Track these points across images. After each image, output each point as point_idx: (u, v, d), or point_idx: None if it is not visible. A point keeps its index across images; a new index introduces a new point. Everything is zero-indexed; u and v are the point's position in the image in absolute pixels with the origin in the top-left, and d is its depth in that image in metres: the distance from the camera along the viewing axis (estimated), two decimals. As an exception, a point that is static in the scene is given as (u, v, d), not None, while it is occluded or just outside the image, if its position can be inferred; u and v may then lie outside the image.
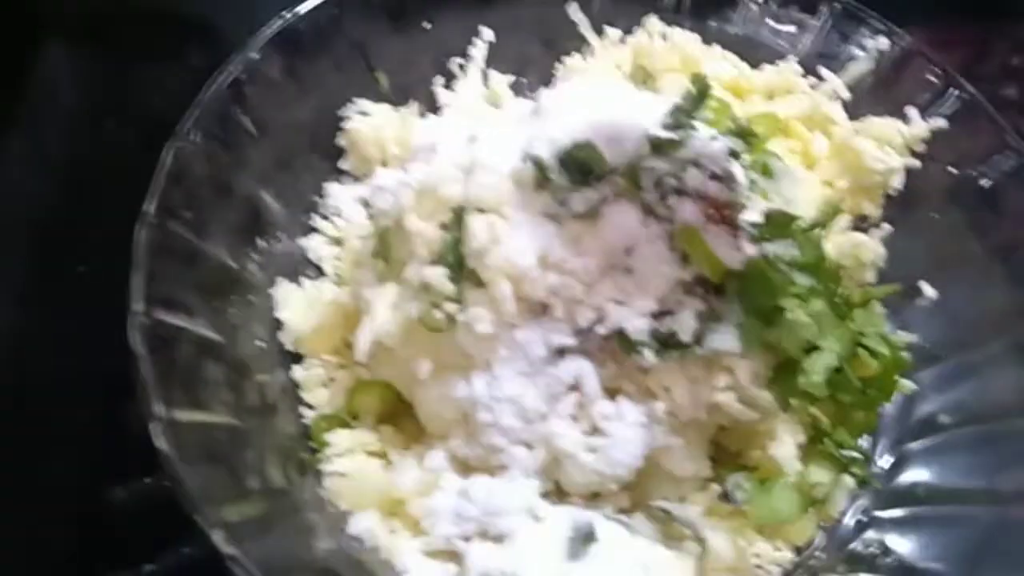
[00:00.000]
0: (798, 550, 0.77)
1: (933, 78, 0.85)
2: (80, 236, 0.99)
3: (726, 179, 0.69)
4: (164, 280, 0.70)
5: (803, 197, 0.77)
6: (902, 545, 0.72)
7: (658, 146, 0.70)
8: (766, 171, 0.74)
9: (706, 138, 0.72)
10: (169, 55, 1.16)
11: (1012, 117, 1.13)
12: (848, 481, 0.77)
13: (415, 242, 0.72)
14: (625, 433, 0.68)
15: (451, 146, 0.80)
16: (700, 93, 0.73)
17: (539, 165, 0.69)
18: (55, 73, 1.16)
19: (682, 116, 0.72)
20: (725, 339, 0.66)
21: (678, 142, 0.70)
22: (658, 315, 0.66)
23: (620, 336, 0.66)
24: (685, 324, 0.65)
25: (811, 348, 0.69)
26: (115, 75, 1.14)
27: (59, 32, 1.19)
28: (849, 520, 0.77)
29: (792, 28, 0.93)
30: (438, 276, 0.69)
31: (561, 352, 0.68)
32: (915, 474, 0.77)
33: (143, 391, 0.64)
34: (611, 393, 0.69)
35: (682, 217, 0.67)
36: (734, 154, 0.71)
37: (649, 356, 0.66)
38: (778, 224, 0.68)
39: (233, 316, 0.78)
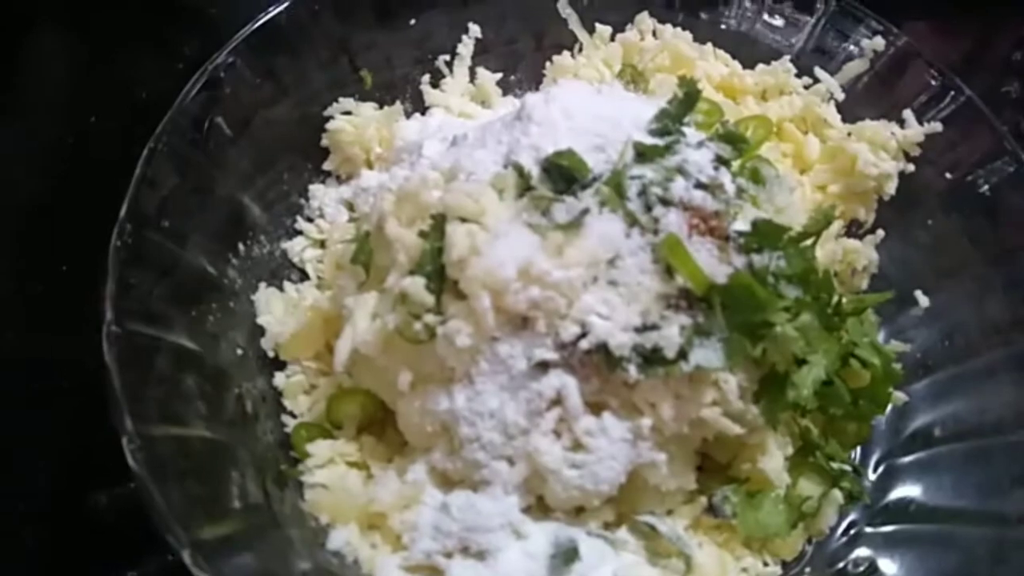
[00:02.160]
0: (786, 565, 0.76)
1: (930, 80, 0.83)
2: (64, 233, 0.97)
3: (713, 188, 0.67)
4: (140, 290, 0.69)
5: (795, 204, 0.75)
6: (892, 565, 0.71)
7: (643, 153, 0.68)
8: (757, 177, 0.72)
9: (693, 145, 0.70)
10: (160, 44, 1.15)
11: (1013, 114, 1.12)
12: (838, 495, 0.76)
13: (395, 249, 0.70)
14: (609, 449, 0.67)
15: (433, 149, 0.78)
16: (689, 97, 0.71)
17: (521, 173, 0.68)
18: (44, 62, 1.15)
19: (669, 122, 0.70)
20: (711, 355, 0.64)
21: (664, 149, 0.69)
22: (642, 329, 0.64)
23: (604, 351, 0.64)
24: (670, 339, 0.63)
25: (799, 361, 0.67)
26: (102, 66, 1.13)
27: (48, 20, 1.18)
28: (839, 535, 0.76)
29: (787, 25, 0.90)
30: (417, 286, 0.67)
31: (543, 366, 0.66)
32: (906, 490, 0.75)
33: (114, 406, 0.62)
34: (595, 408, 0.67)
35: (667, 228, 0.65)
36: (722, 161, 0.69)
37: (633, 372, 0.64)
38: (767, 235, 0.66)
39: (212, 324, 0.77)
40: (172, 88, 0.81)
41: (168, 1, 1.21)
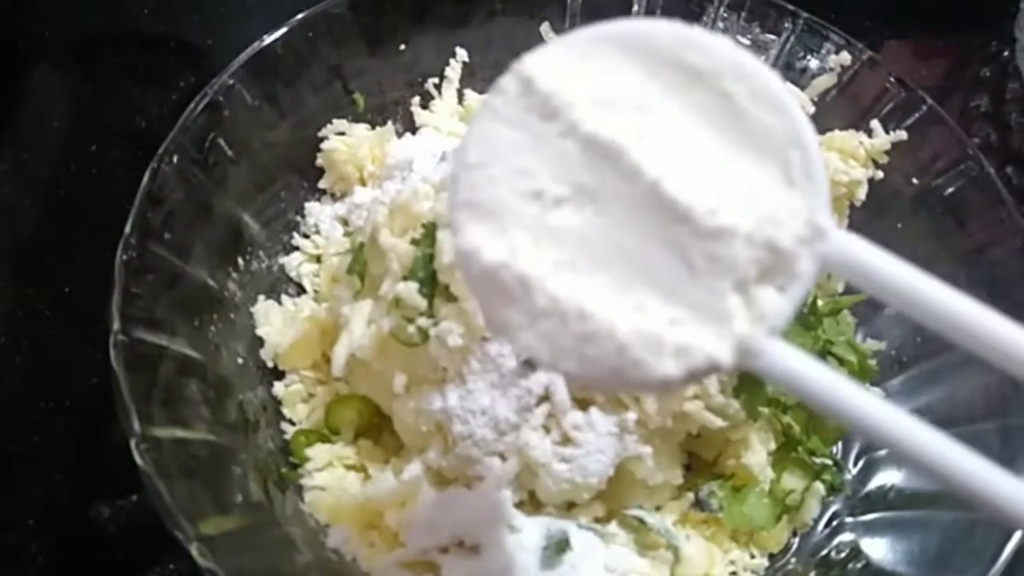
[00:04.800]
0: (772, 557, 0.78)
1: (894, 91, 0.86)
2: (67, 257, 1.00)
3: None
4: (144, 300, 0.71)
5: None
6: (873, 549, 0.73)
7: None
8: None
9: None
10: (156, 77, 1.17)
11: (983, 126, 1.16)
12: (820, 488, 0.78)
13: (389, 258, 0.73)
14: (596, 442, 0.69)
15: (424, 164, 0.81)
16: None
17: (507, 182, 0.71)
18: (42, 95, 1.17)
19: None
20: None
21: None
22: (625, 326, 0.67)
23: (589, 347, 0.67)
24: (651, 334, 0.66)
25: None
26: (102, 97, 1.15)
27: (47, 54, 1.21)
28: (822, 526, 0.78)
29: (756, 44, 0.94)
30: (410, 291, 0.70)
31: (531, 364, 0.69)
32: (885, 478, 0.77)
33: (122, 408, 0.65)
34: (582, 404, 0.70)
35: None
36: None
37: (617, 367, 0.67)
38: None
39: (214, 334, 0.79)
40: (170, 116, 0.83)
41: (162, 35, 1.25)
